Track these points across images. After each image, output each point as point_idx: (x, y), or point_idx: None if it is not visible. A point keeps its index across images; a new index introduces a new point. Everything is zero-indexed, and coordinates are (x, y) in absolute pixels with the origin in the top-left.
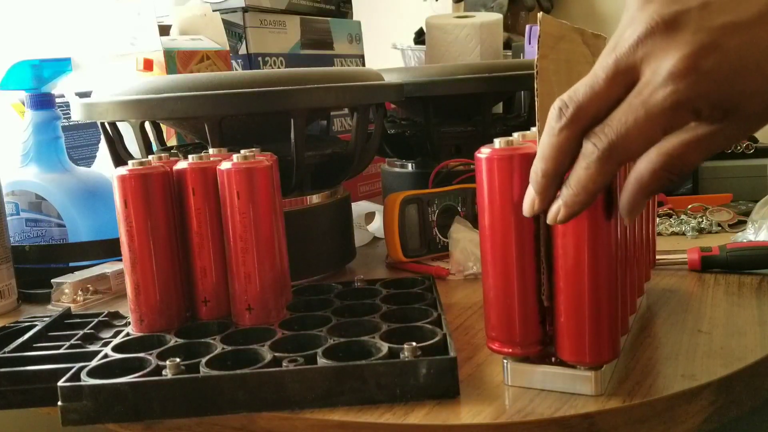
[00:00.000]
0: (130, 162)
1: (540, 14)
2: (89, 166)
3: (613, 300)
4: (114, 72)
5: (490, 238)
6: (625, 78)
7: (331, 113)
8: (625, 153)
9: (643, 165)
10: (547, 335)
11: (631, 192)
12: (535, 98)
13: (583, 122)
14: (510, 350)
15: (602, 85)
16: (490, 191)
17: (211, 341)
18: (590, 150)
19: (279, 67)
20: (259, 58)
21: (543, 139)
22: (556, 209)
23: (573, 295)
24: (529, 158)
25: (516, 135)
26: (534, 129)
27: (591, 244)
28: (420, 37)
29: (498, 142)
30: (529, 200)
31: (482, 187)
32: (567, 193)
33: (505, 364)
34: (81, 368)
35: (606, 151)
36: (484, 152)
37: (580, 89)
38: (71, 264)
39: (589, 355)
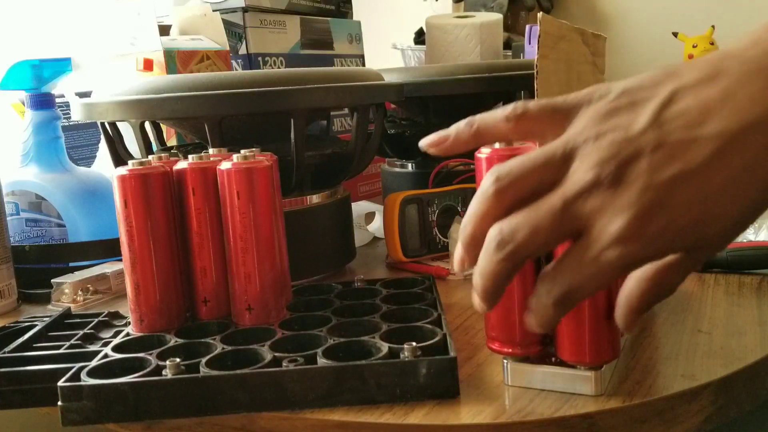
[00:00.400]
0: (130, 162)
1: (540, 14)
2: (89, 166)
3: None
4: (114, 72)
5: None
6: (571, 225)
7: (331, 113)
8: (578, 298)
9: (632, 290)
10: (547, 335)
11: (625, 315)
12: (536, 98)
13: (506, 199)
14: (510, 350)
15: (548, 228)
16: None
17: (211, 341)
18: (543, 302)
19: (279, 67)
20: (259, 58)
21: (471, 206)
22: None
23: None
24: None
25: None
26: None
27: None
28: (420, 37)
29: (498, 142)
30: (459, 258)
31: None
32: (475, 278)
33: (505, 364)
34: (81, 368)
35: (559, 300)
36: (484, 152)
37: (520, 221)
38: (71, 264)
39: (588, 355)
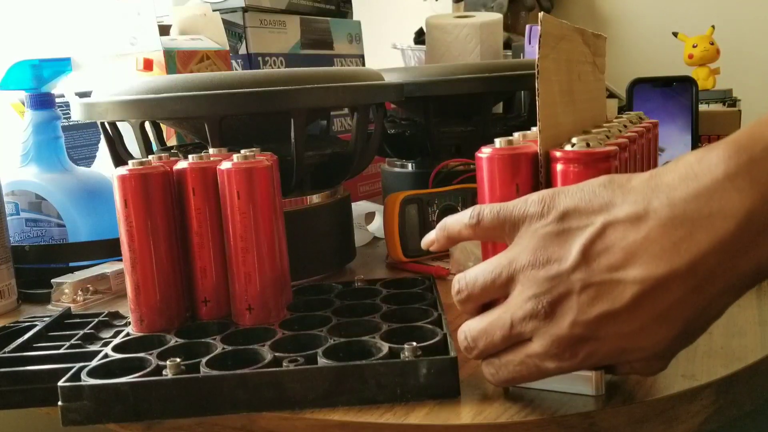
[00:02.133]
0: (130, 162)
1: (541, 14)
2: (89, 166)
3: None
4: (114, 72)
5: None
6: (518, 338)
7: (331, 113)
8: (519, 383)
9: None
10: None
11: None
12: (537, 98)
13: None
14: None
15: (501, 339)
16: (491, 191)
17: (211, 341)
18: (487, 378)
19: (279, 67)
20: (259, 58)
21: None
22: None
23: None
24: (530, 158)
25: (516, 135)
26: (534, 129)
27: None
28: (420, 37)
29: (499, 142)
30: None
31: (483, 186)
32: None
33: None
34: (81, 368)
35: (502, 383)
36: (485, 152)
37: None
38: (71, 264)
39: None
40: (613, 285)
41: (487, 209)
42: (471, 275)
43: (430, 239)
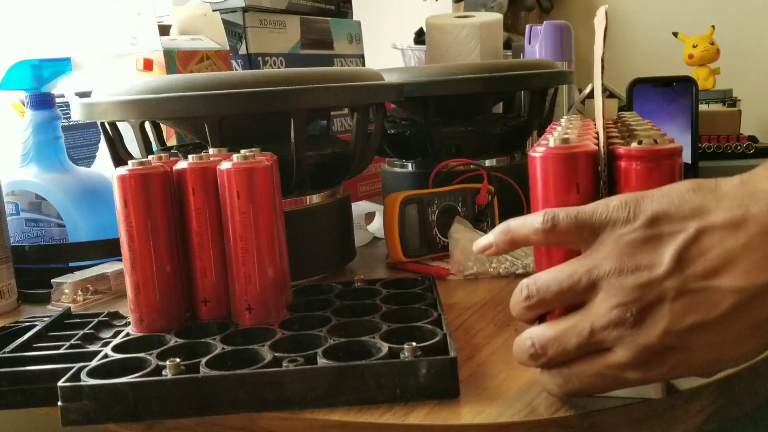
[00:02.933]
0: (130, 162)
1: (605, 7)
2: (89, 166)
3: None
4: (114, 72)
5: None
6: (595, 347)
7: (331, 113)
8: (587, 396)
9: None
10: None
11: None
12: (598, 90)
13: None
14: None
15: (575, 348)
16: (545, 191)
17: (211, 341)
18: (550, 388)
19: (279, 67)
20: (259, 58)
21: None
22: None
23: None
24: (590, 156)
25: (563, 121)
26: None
27: None
28: (420, 37)
29: (553, 140)
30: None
31: (536, 187)
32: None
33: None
34: (81, 368)
35: (569, 394)
36: (538, 151)
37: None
38: (71, 264)
39: None
40: (709, 293)
41: (562, 213)
42: (543, 280)
43: (485, 243)
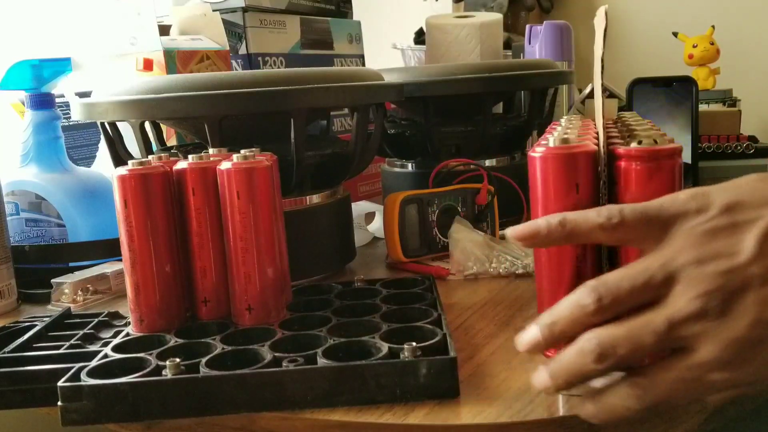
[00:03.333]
0: (130, 162)
1: (605, 7)
2: (89, 166)
3: None
4: (114, 72)
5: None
6: (672, 345)
7: (331, 113)
8: (669, 407)
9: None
10: None
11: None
12: (596, 92)
13: (604, 308)
14: None
15: (649, 347)
16: (545, 191)
17: (211, 341)
18: (628, 405)
19: (279, 67)
20: (259, 58)
21: (565, 306)
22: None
23: None
24: (590, 156)
25: (563, 121)
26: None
27: None
28: (420, 37)
29: (552, 140)
30: (532, 341)
31: (536, 187)
32: (552, 366)
33: None
34: (81, 368)
35: (651, 406)
36: (539, 151)
37: (624, 299)
38: (71, 264)
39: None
40: None
41: (628, 209)
42: (613, 280)
43: (533, 229)
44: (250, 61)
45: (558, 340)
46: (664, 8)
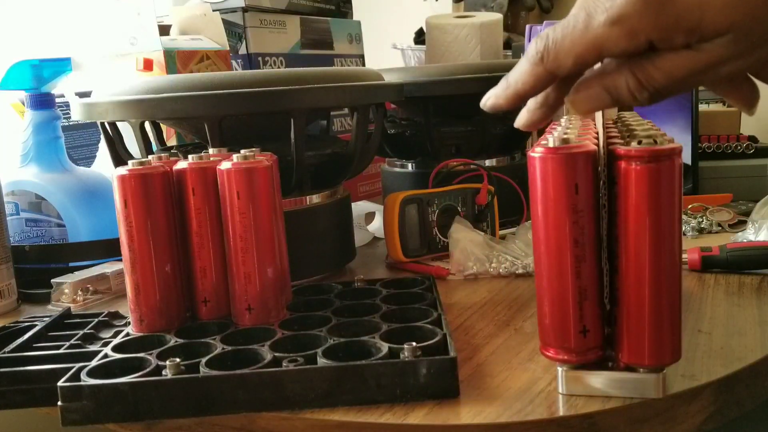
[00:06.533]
0: (130, 162)
1: None
2: (89, 166)
3: (676, 298)
4: (114, 72)
5: (544, 241)
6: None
7: (331, 113)
8: (556, 61)
9: (620, 78)
10: (603, 340)
11: (594, 86)
12: None
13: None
14: (565, 358)
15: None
16: (544, 191)
17: (211, 341)
18: (532, 45)
19: (279, 67)
20: (259, 58)
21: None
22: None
23: (636, 295)
24: (590, 157)
25: (563, 121)
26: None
27: (655, 242)
28: (420, 37)
29: (552, 140)
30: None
31: (536, 187)
32: (500, 84)
33: (560, 372)
34: (81, 368)
35: (541, 52)
36: (538, 151)
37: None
38: (71, 264)
39: (649, 357)
40: None
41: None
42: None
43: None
44: (250, 61)
45: (516, 92)
46: None
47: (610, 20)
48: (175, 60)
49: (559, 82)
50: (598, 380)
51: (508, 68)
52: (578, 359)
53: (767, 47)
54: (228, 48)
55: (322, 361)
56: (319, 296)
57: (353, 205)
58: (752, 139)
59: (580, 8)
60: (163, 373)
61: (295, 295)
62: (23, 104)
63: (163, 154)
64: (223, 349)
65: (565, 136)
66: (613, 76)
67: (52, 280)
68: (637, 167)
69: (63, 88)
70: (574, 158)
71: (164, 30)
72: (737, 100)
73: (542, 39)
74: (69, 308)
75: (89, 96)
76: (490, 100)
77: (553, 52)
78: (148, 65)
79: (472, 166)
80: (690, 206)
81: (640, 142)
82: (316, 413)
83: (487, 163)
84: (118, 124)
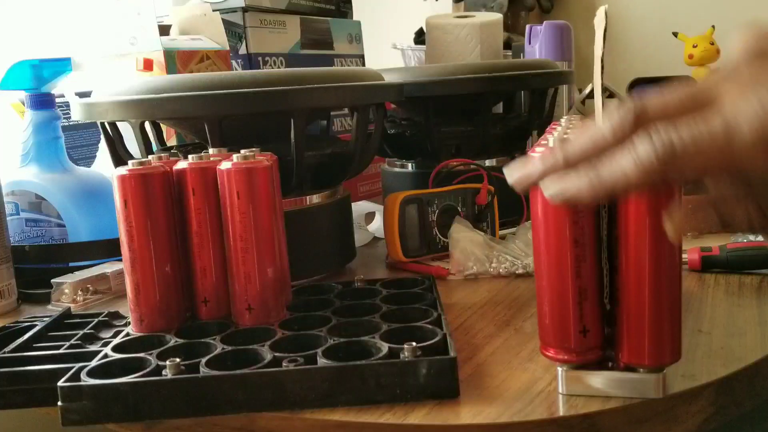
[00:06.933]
0: (130, 162)
1: (605, 7)
2: (89, 166)
3: (676, 298)
4: (114, 72)
5: (544, 241)
6: (700, 97)
7: (331, 113)
8: (681, 166)
9: (740, 208)
10: (604, 340)
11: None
12: (598, 90)
13: (649, 117)
14: (565, 358)
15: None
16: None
17: (211, 341)
18: (646, 143)
19: (279, 67)
20: (259, 58)
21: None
22: (563, 185)
23: (636, 295)
24: None
25: (563, 121)
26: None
27: (655, 241)
28: (420, 37)
29: (552, 140)
30: (526, 170)
31: (536, 187)
32: (593, 174)
33: (560, 372)
34: (81, 368)
35: (664, 150)
36: (538, 151)
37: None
38: (71, 264)
39: (649, 358)
40: None
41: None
42: (649, 100)
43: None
44: (250, 61)
45: (576, 158)
46: (664, 8)
47: (760, 141)
48: (175, 60)
49: None
50: (598, 380)
51: (508, 68)
52: (578, 359)
53: None
54: (228, 48)
55: (322, 361)
56: (319, 296)
57: (353, 205)
58: None
59: (713, 110)
60: (163, 373)
61: (295, 295)
62: (23, 104)
63: (163, 154)
64: (223, 349)
65: (565, 136)
66: (731, 204)
67: (52, 280)
68: None
69: (63, 88)
70: None
71: (164, 30)
72: None
73: (659, 135)
74: (69, 308)
75: (89, 96)
76: (550, 187)
77: (675, 156)
78: (148, 65)
79: (472, 166)
80: (690, 206)
81: None
82: (316, 413)
83: (487, 163)
84: (118, 124)
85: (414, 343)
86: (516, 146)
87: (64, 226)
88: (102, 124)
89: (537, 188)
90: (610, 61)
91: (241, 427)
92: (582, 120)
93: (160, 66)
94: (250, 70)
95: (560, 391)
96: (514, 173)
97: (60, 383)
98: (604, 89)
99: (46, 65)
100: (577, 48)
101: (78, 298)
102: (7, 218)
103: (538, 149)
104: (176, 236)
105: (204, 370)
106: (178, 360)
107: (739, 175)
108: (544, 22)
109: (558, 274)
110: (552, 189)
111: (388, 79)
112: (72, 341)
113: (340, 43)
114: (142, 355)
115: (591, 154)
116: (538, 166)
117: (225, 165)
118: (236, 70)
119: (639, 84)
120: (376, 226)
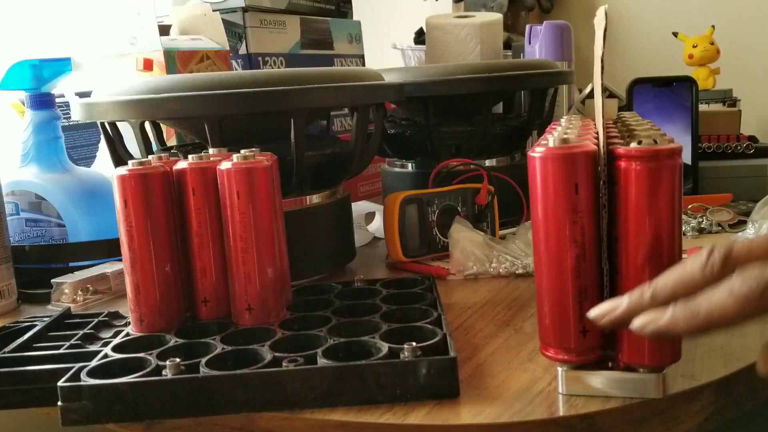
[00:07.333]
0: (130, 162)
1: (605, 7)
2: (89, 166)
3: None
4: (114, 72)
5: (544, 241)
6: None
7: (331, 113)
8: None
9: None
10: (603, 340)
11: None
12: (597, 94)
13: (737, 259)
14: (566, 358)
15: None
16: (544, 191)
17: (211, 341)
18: (746, 279)
19: (279, 67)
20: (259, 58)
21: (681, 265)
22: (656, 319)
23: None
24: (590, 157)
25: (563, 121)
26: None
27: (654, 242)
28: (420, 37)
29: (552, 140)
30: (611, 305)
31: (536, 187)
32: (685, 311)
33: (560, 372)
34: (81, 368)
35: (759, 286)
36: (538, 151)
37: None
38: (71, 264)
39: (649, 357)
40: None
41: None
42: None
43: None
44: (250, 61)
45: (663, 297)
46: (664, 8)
47: None
48: (175, 60)
49: None
50: (598, 380)
51: (508, 68)
52: (578, 359)
53: None
54: (228, 48)
55: (322, 361)
56: (319, 296)
57: (353, 205)
58: (752, 139)
59: None
60: (163, 373)
61: (295, 295)
62: (23, 104)
63: (163, 154)
64: (223, 349)
65: (565, 136)
66: None
67: (52, 280)
68: (637, 167)
69: (63, 88)
70: (574, 158)
71: (164, 30)
72: None
73: (754, 273)
74: (69, 308)
75: (89, 96)
76: (642, 319)
77: None
78: (148, 65)
79: (472, 166)
80: (690, 206)
81: (640, 142)
82: (316, 413)
83: (487, 163)
84: (118, 124)
85: (414, 343)
86: (516, 146)
87: (64, 226)
88: (102, 124)
89: (537, 188)
90: (610, 61)
91: (241, 427)
92: (582, 120)
93: (160, 66)
94: (250, 70)
95: (560, 391)
96: (599, 308)
97: (60, 383)
98: (604, 89)
99: (46, 65)
100: (577, 48)
101: (78, 298)
102: (7, 218)
103: (539, 149)
104: (176, 236)
105: (204, 370)
106: (178, 360)
107: None
108: (544, 22)
109: (558, 274)
110: (642, 321)
111: (388, 79)
112: (72, 341)
113: (340, 43)
114: (142, 355)
115: (680, 294)
116: (624, 303)
117: (225, 165)
118: (236, 70)
119: (639, 84)
120: (376, 226)
